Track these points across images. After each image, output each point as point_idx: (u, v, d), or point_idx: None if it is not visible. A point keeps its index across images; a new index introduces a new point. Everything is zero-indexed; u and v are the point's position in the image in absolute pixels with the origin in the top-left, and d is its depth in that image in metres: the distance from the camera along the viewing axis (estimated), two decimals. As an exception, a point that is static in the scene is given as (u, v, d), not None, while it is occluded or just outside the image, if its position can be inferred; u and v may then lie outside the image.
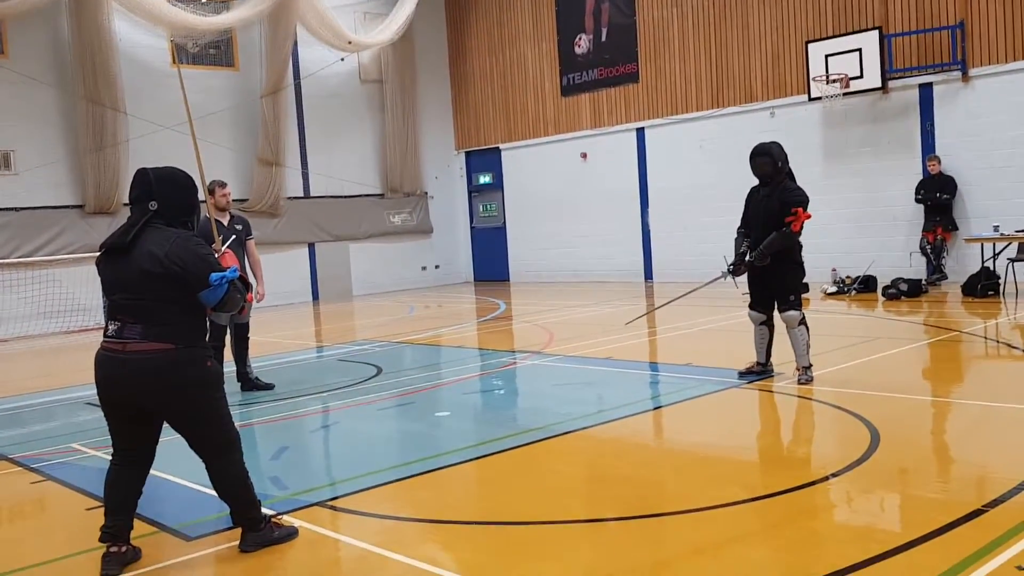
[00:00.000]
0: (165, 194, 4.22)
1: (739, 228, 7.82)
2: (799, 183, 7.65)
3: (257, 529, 4.36)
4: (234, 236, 8.29)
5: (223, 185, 8.51)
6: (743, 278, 7.86)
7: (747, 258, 7.59)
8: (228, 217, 8.53)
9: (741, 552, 4.05)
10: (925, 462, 5.40)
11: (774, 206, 7.43)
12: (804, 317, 7.56)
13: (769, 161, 7.48)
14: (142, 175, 4.27)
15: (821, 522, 4.46)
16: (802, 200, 7.42)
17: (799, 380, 7.50)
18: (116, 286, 4.18)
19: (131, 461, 4.31)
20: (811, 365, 7.60)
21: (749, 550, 4.08)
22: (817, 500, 4.77)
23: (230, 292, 4.15)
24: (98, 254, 4.30)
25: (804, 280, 7.88)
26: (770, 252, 7.42)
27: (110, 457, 4.37)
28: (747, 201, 7.81)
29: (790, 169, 7.64)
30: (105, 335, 4.21)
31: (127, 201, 4.28)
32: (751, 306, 7.82)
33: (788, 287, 7.55)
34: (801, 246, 7.61)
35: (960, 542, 3.93)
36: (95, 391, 4.25)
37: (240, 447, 4.36)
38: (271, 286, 10.73)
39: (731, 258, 7.83)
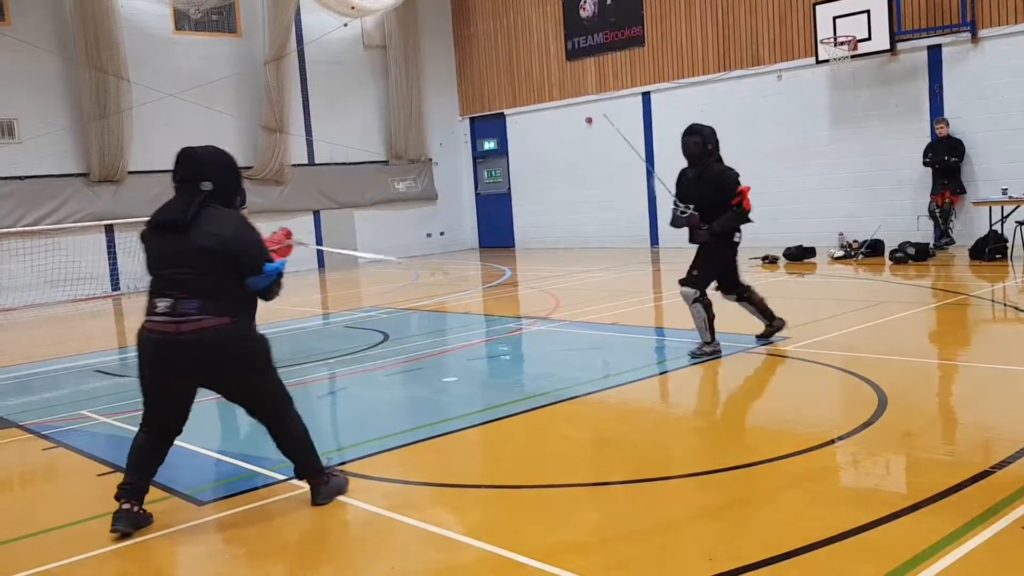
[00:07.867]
0: (219, 176, 4.33)
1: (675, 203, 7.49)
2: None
3: (325, 479, 4.48)
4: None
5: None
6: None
7: (702, 227, 7.23)
8: None
9: (747, 515, 4.07)
10: (932, 425, 5.41)
11: (705, 191, 7.21)
12: (699, 295, 7.29)
13: (699, 141, 7.22)
14: (191, 155, 4.35)
15: (827, 485, 4.47)
16: (736, 178, 7.19)
17: (691, 353, 7.37)
18: (171, 261, 4.19)
19: (161, 435, 4.40)
20: (712, 341, 7.37)
21: (755, 513, 4.10)
22: (824, 463, 4.78)
23: (275, 283, 4.32)
24: (144, 229, 4.35)
25: (735, 260, 7.56)
26: (722, 231, 7.21)
27: (129, 426, 4.40)
28: (677, 184, 7.55)
29: (719, 154, 7.36)
30: (153, 313, 4.18)
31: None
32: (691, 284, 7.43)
33: (696, 262, 7.34)
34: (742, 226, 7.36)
35: (967, 503, 3.94)
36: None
37: (293, 402, 4.51)
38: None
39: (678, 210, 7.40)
